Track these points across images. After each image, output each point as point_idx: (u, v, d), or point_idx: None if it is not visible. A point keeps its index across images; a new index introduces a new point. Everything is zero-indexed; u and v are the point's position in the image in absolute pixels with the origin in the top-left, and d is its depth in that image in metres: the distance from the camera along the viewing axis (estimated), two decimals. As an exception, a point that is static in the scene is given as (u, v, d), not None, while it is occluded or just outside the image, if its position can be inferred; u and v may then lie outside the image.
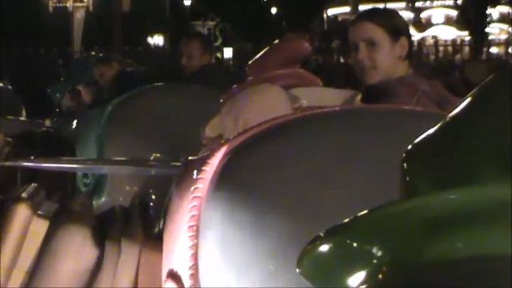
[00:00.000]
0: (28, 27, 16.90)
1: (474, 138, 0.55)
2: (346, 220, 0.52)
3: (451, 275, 0.47)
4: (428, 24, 27.52)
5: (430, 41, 24.19)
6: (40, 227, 1.55)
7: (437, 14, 27.23)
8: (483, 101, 0.57)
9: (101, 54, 5.40)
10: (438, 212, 0.49)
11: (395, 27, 2.27)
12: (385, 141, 1.14)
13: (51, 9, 15.31)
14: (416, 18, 26.67)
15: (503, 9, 25.13)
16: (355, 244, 0.51)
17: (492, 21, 24.02)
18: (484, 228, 0.47)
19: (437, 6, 27.08)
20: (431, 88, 2.15)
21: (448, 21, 27.18)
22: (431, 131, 0.59)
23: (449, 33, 25.43)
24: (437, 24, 26.78)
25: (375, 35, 2.23)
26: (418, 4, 27.16)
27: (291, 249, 0.56)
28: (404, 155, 0.60)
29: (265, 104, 1.49)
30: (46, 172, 2.56)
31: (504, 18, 25.47)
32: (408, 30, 2.33)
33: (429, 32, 26.56)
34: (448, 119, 0.58)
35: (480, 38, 21.62)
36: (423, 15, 27.72)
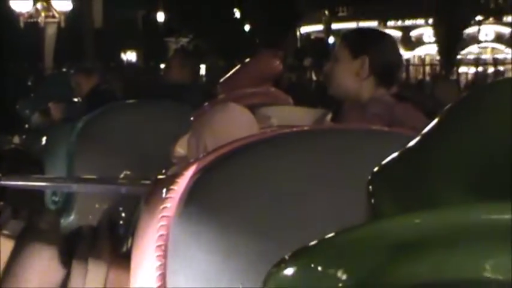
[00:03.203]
0: (-1, 43, 16.78)
1: (438, 162, 0.55)
2: (311, 243, 0.52)
3: (415, 299, 0.47)
4: (419, 42, 27.73)
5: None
6: (6, 246, 1.53)
7: (427, 33, 27.42)
8: (448, 124, 0.57)
9: (71, 71, 5.37)
10: (402, 235, 0.49)
11: (355, 45, 2.31)
12: (353, 161, 1.14)
13: (22, 24, 15.24)
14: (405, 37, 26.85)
15: (473, 29, 25.43)
16: (319, 268, 0.51)
17: (462, 41, 24.29)
18: (446, 252, 0.47)
19: (426, 25, 27.28)
20: (401, 110, 2.16)
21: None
22: (396, 153, 0.59)
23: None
24: (430, 43, 26.90)
25: (338, 50, 2.33)
26: (407, 23, 27.40)
27: (260, 269, 0.56)
28: (370, 176, 0.60)
29: (224, 124, 1.48)
30: (14, 190, 2.54)
31: (474, 39, 25.77)
32: (375, 51, 2.34)
33: (420, 51, 26.74)
34: (414, 141, 0.59)
35: (449, 58, 21.85)
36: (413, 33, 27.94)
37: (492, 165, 0.52)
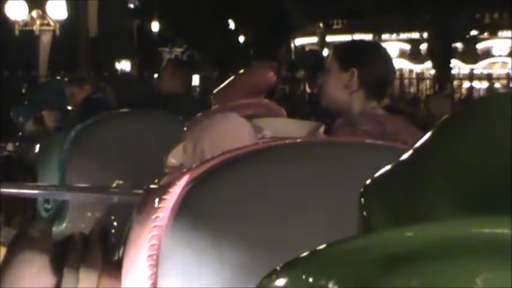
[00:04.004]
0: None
1: (431, 175, 0.55)
2: (303, 254, 0.52)
3: (406, 312, 0.47)
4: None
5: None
6: (-3, 253, 1.53)
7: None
8: (441, 138, 0.57)
9: (66, 79, 5.38)
10: (394, 248, 0.49)
11: (345, 57, 2.32)
12: (346, 174, 1.15)
13: (17, 32, 15.23)
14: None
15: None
16: (310, 279, 0.51)
17: (455, 56, 24.39)
18: (438, 265, 0.48)
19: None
20: (393, 124, 2.17)
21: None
22: (389, 166, 0.59)
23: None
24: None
25: (329, 62, 2.34)
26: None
27: (252, 279, 0.56)
28: (362, 189, 0.60)
29: (224, 134, 1.49)
30: (6, 197, 2.53)
31: (464, 54, 25.86)
32: (364, 64, 2.34)
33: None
34: (406, 154, 0.59)
35: (444, 72, 21.92)
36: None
37: (485, 179, 0.53)
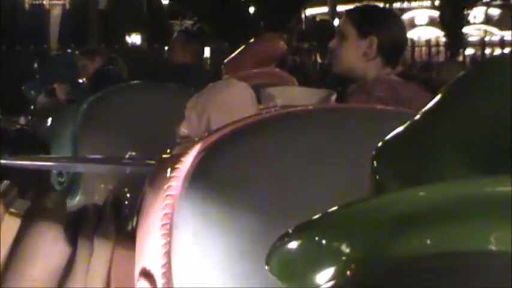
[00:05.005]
0: (4, 25, 16.76)
1: (442, 135, 0.55)
2: (315, 216, 0.52)
3: (419, 272, 0.48)
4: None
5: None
6: (12, 224, 1.54)
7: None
8: (452, 99, 0.57)
9: (76, 52, 5.38)
10: (407, 208, 0.49)
11: (364, 25, 2.29)
12: (357, 141, 1.15)
13: (27, 6, 15.21)
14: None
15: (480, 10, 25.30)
16: (323, 241, 0.51)
17: (468, 23, 24.16)
18: (451, 224, 0.48)
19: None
20: (408, 90, 2.16)
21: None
22: (401, 128, 0.59)
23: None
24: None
25: (345, 28, 2.30)
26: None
27: (264, 246, 0.56)
28: (374, 152, 0.60)
29: (230, 99, 1.48)
30: (20, 170, 2.54)
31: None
32: (382, 31, 2.33)
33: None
34: (417, 117, 0.59)
35: (456, 40, 21.76)
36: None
37: (494, 140, 0.53)
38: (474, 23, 25.28)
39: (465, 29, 23.53)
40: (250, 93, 1.54)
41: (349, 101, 2.13)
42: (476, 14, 25.41)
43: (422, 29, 26.09)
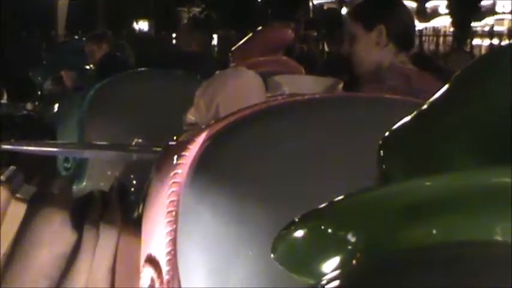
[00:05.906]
0: (10, 10, 16.75)
1: (450, 125, 0.55)
2: (321, 205, 0.52)
3: (425, 261, 0.47)
4: (435, 13, 27.42)
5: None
6: (18, 209, 1.54)
7: (443, 4, 27.12)
8: (460, 88, 0.57)
9: (84, 38, 5.38)
10: (413, 198, 0.49)
11: (369, 18, 2.31)
12: (365, 129, 1.14)
13: (35, -8, 15.20)
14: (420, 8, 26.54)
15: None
16: (329, 230, 0.51)
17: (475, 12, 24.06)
18: (457, 214, 0.47)
19: None
20: (421, 80, 2.16)
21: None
22: (408, 117, 0.59)
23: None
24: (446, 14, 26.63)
25: (353, 28, 2.32)
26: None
27: (271, 235, 0.56)
28: (380, 142, 0.59)
29: (239, 88, 1.49)
30: (26, 155, 2.55)
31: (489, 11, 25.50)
32: (389, 18, 2.34)
33: (435, 22, 26.46)
34: (425, 106, 0.58)
35: (463, 29, 21.69)
36: (429, 4, 27.64)
37: (502, 129, 0.52)
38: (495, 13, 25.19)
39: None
40: (258, 82, 1.54)
41: (361, 90, 2.13)
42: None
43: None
